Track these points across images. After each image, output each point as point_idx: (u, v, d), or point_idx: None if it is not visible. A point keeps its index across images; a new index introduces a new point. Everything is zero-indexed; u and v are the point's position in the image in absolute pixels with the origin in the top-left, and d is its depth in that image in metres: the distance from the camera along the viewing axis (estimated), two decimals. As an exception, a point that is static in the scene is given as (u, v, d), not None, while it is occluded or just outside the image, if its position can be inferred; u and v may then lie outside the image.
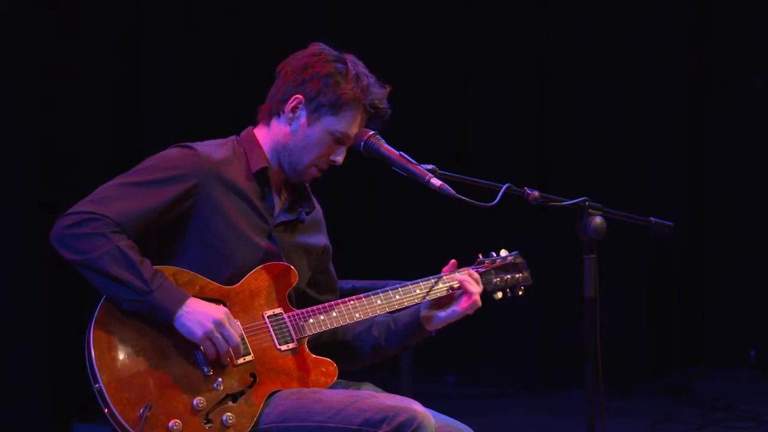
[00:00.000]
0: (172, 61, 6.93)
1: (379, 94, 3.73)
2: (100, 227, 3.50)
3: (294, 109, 3.73)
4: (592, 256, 3.61)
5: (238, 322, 3.58)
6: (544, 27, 7.95)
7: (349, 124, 3.72)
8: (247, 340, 3.60)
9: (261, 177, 3.74)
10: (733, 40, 8.00)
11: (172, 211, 3.61)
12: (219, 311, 3.52)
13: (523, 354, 7.95)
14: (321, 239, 3.91)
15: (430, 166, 3.71)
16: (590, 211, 3.63)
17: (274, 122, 3.77)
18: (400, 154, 3.74)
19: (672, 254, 8.13)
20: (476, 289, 3.77)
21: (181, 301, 3.49)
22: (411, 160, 3.73)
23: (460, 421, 3.70)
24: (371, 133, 3.76)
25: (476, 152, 7.97)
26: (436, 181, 3.67)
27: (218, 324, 3.50)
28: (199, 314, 3.49)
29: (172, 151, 3.69)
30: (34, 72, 6.16)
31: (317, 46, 3.78)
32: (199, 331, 3.49)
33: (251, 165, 3.74)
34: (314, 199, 3.90)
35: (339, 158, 3.75)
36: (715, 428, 6.90)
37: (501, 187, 3.65)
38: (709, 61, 8.08)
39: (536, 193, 3.67)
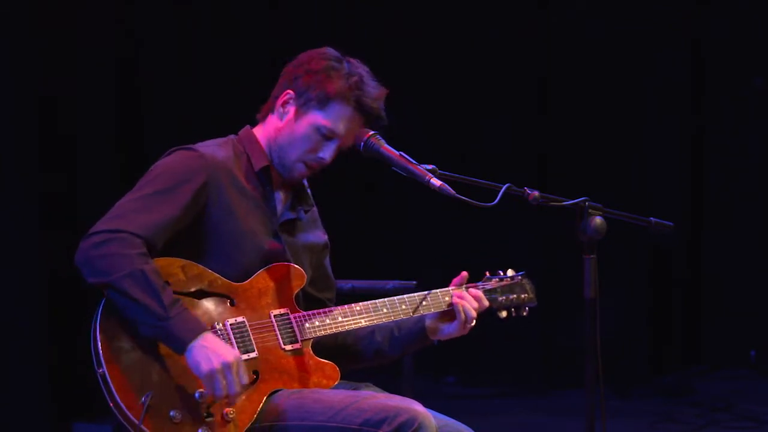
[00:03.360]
0: (172, 61, 6.94)
1: (371, 93, 3.71)
2: (125, 247, 3.45)
3: (285, 104, 3.74)
4: (592, 256, 3.61)
5: (246, 376, 3.49)
6: (544, 27, 7.95)
7: (336, 120, 3.70)
8: (252, 337, 3.60)
9: (263, 175, 3.75)
10: (733, 40, 8.00)
11: (190, 213, 3.60)
12: (231, 354, 3.45)
13: (523, 354, 7.95)
14: (321, 236, 3.92)
15: (430, 166, 3.71)
16: (590, 211, 3.62)
17: (269, 118, 3.78)
18: (400, 154, 3.73)
19: (672, 254, 8.13)
20: (471, 313, 3.77)
21: (197, 333, 3.44)
22: (411, 160, 3.72)
23: (460, 421, 3.70)
24: (371, 133, 3.76)
25: (476, 152, 7.97)
26: (436, 181, 3.67)
27: (227, 367, 3.43)
28: (211, 351, 3.43)
29: (176, 156, 3.68)
30: (34, 73, 6.16)
31: (324, 48, 3.78)
32: (204, 367, 3.42)
33: (254, 164, 3.74)
34: (311, 196, 3.90)
35: (326, 155, 3.72)
36: (715, 428, 6.90)
37: (501, 187, 3.64)
38: (709, 61, 8.08)
39: (536, 193, 3.66)
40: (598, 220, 3.62)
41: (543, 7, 7.94)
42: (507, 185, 3.65)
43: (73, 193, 6.38)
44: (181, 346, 3.44)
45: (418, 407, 3.51)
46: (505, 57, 7.91)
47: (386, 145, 3.75)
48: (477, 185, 3.68)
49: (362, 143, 3.75)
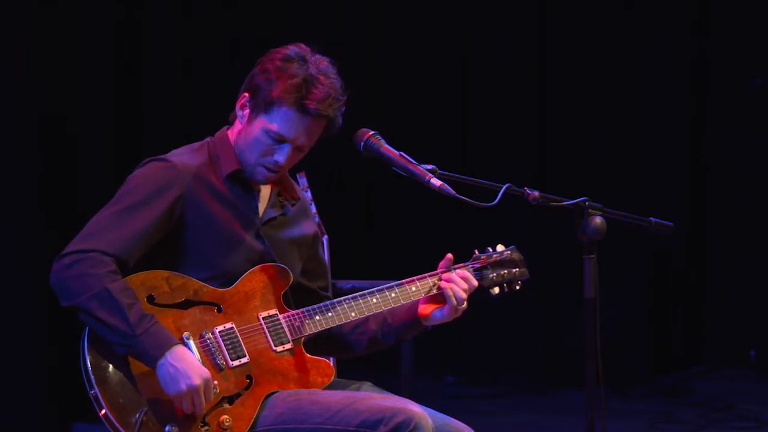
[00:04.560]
0: (172, 61, 6.94)
1: (315, 95, 3.60)
2: (93, 266, 3.45)
3: (243, 107, 3.69)
4: (592, 256, 3.61)
5: (217, 389, 3.52)
6: (544, 26, 7.95)
7: (281, 123, 3.62)
8: (242, 342, 3.58)
9: (236, 179, 3.70)
10: (734, 40, 8.00)
11: (165, 225, 3.58)
12: (199, 376, 3.45)
13: (524, 354, 7.95)
14: (310, 227, 3.87)
15: (430, 166, 3.70)
16: (590, 211, 3.62)
17: (236, 121, 3.74)
18: (400, 154, 3.72)
19: (672, 254, 8.13)
20: (460, 295, 3.72)
21: (165, 348, 3.43)
22: (411, 160, 3.72)
23: (460, 420, 3.69)
24: (371, 133, 3.75)
25: (476, 152, 7.97)
26: (436, 181, 3.66)
27: (193, 390, 3.44)
28: (180, 372, 3.43)
29: (149, 168, 3.64)
30: (34, 74, 6.16)
31: (288, 46, 3.69)
32: (172, 389, 3.44)
33: (223, 169, 3.68)
34: (297, 187, 3.86)
35: (280, 158, 3.64)
36: (715, 428, 6.90)
37: (501, 187, 3.63)
38: (710, 60, 8.08)
39: (536, 193, 3.66)
40: (598, 220, 3.61)
41: (543, 7, 7.94)
42: (507, 185, 3.64)
43: (73, 193, 6.38)
44: (151, 362, 3.44)
45: (414, 407, 3.51)
46: (506, 56, 7.91)
47: (386, 145, 3.74)
48: (477, 185, 3.68)
49: (362, 143, 3.74)
